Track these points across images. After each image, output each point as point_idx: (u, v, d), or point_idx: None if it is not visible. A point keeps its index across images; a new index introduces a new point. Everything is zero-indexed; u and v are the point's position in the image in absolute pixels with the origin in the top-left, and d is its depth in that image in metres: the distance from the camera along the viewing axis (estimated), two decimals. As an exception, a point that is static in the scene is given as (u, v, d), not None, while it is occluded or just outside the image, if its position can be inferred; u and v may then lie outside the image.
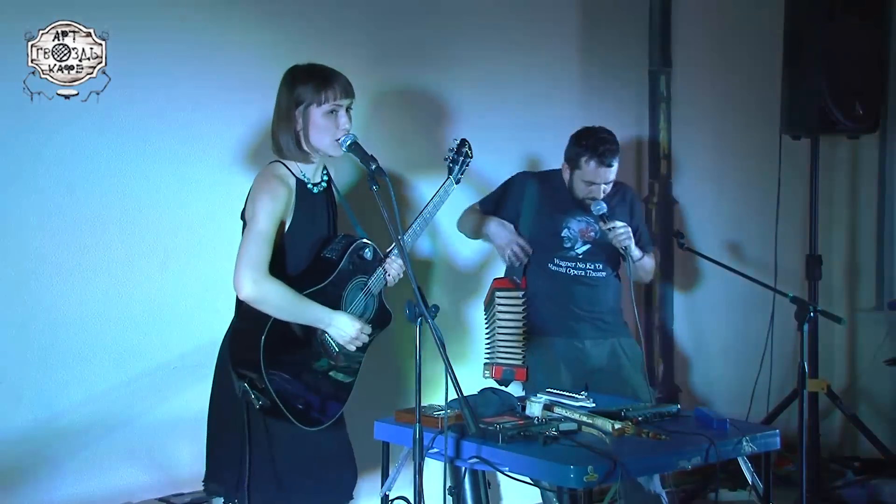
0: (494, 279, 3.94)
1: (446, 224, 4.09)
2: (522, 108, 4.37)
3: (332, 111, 2.91)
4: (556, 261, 3.88)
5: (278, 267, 2.89)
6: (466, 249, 4.28)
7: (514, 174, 4.02)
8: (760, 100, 5.06)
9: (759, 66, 5.09)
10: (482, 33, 4.34)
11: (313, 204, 2.99)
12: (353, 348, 2.97)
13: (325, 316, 2.90)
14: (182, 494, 3.43)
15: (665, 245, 4.99)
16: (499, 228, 3.86)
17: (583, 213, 3.86)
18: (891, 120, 5.24)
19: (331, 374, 3.00)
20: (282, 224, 2.91)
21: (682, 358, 5.09)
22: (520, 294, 3.81)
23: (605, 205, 3.73)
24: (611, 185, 3.82)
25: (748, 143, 5.21)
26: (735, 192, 5.24)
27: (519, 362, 3.77)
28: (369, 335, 3.02)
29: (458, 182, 3.41)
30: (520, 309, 3.80)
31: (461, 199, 3.94)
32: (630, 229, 3.74)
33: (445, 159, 3.40)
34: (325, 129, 2.91)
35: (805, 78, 4.65)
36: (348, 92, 2.94)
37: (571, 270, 3.88)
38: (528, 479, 2.94)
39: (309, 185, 2.99)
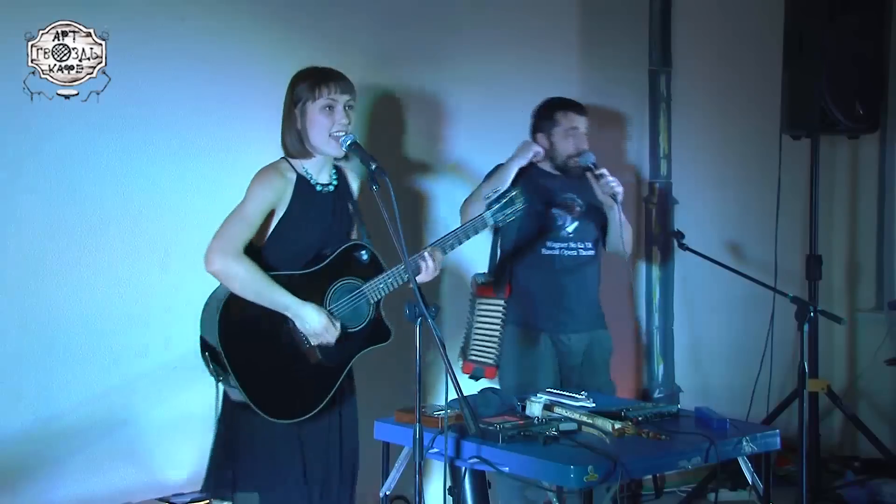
0: (477, 283, 3.85)
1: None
2: (522, 108, 4.35)
3: (328, 106, 2.89)
4: (549, 243, 3.89)
5: (256, 251, 2.89)
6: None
7: (493, 167, 3.90)
8: (760, 100, 5.06)
9: (759, 66, 5.09)
10: (482, 34, 4.35)
11: (315, 202, 2.97)
12: (315, 342, 2.87)
13: (292, 303, 2.84)
14: (182, 494, 3.43)
15: (665, 245, 4.99)
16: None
17: (566, 189, 3.90)
18: (891, 120, 5.24)
19: (301, 368, 2.89)
20: (272, 213, 2.90)
21: (682, 358, 5.08)
22: (500, 303, 3.81)
23: (592, 154, 3.80)
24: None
25: (748, 143, 5.21)
26: (735, 192, 5.24)
27: (490, 361, 3.79)
28: (358, 348, 2.94)
29: (497, 223, 3.09)
30: (499, 317, 3.80)
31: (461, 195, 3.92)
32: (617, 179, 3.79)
33: (486, 198, 3.15)
34: (321, 124, 2.90)
35: (805, 78, 4.65)
36: (345, 88, 2.92)
37: (565, 251, 3.90)
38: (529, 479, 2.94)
39: (312, 182, 2.97)
